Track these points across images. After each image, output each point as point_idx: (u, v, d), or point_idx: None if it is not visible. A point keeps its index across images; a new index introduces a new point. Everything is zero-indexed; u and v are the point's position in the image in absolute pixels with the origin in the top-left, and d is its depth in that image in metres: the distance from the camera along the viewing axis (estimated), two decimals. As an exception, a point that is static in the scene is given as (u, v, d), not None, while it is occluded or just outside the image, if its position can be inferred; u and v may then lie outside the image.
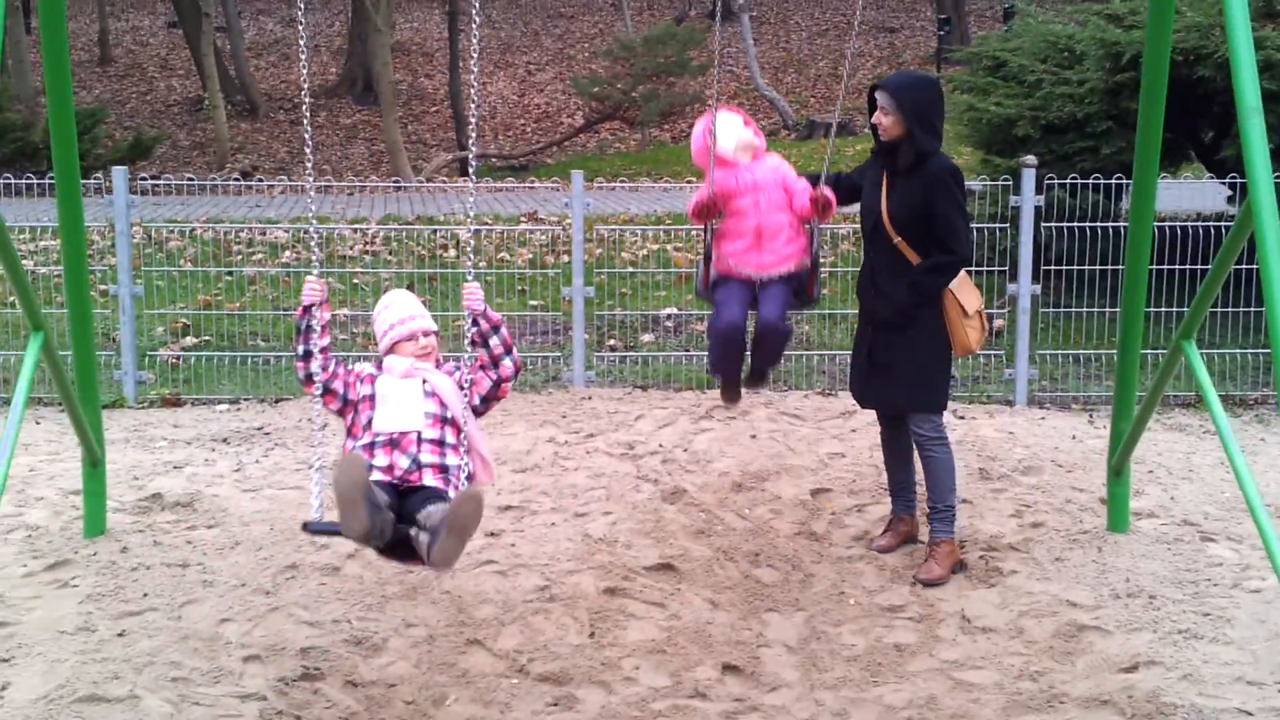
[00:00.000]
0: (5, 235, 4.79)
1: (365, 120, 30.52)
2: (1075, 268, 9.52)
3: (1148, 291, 6.49)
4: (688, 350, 10.19)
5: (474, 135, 5.08)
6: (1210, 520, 6.77)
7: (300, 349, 4.83)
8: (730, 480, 7.32)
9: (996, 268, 9.40)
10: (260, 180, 22.34)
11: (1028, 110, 11.32)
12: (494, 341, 4.86)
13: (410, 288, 10.46)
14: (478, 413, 4.91)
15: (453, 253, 12.45)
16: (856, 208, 6.47)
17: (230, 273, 11.65)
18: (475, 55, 5.12)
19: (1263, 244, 4.44)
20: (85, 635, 5.39)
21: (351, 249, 12.98)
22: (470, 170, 5.18)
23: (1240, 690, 5.01)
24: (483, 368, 4.89)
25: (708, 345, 6.37)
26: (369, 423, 4.78)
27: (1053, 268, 9.51)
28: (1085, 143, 11.03)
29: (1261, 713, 4.83)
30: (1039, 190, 9.26)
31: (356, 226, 13.05)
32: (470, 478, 4.81)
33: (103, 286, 10.35)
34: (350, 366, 4.94)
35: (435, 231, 12.68)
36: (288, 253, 12.95)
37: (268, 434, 8.37)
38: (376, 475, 4.65)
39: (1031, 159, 9.36)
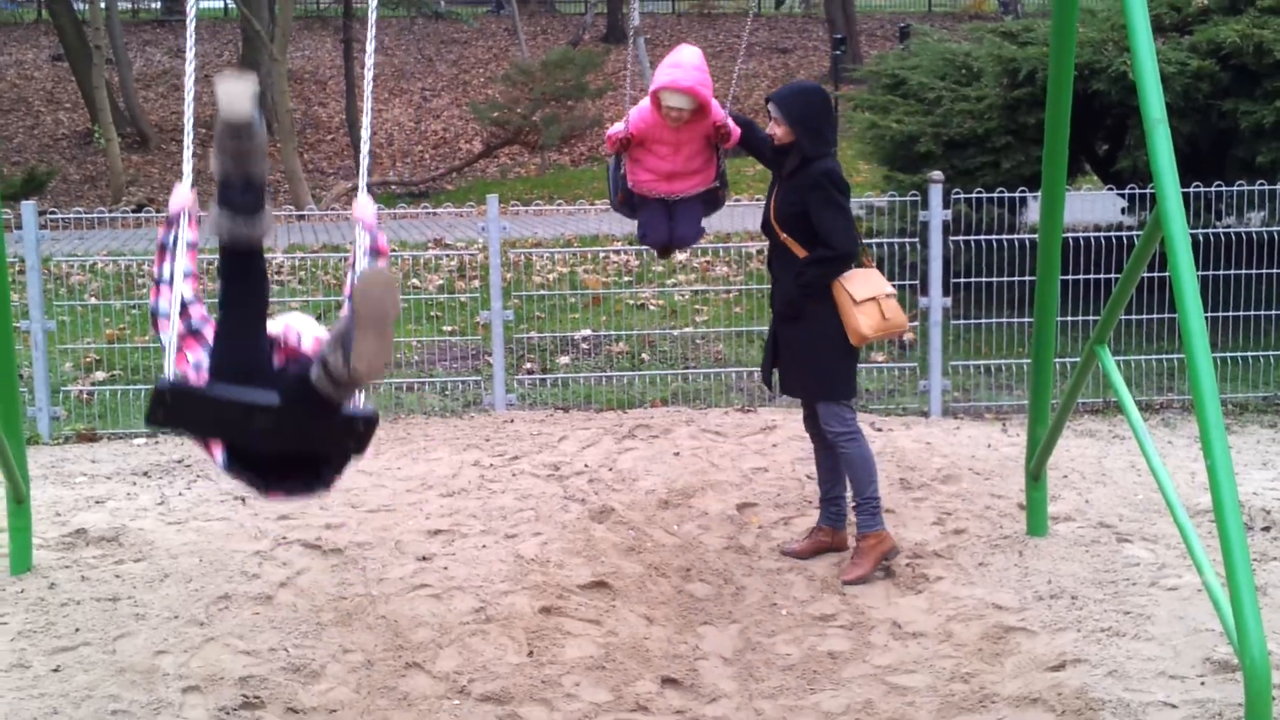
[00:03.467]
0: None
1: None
2: (983, 280, 9.73)
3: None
4: (606, 371, 10.26)
5: (367, 161, 4.97)
6: (1125, 522, 6.96)
7: (160, 270, 4.44)
8: (657, 498, 7.40)
9: (907, 282, 9.58)
10: (159, 214, 22.04)
11: (929, 127, 11.56)
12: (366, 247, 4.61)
13: (319, 318, 10.41)
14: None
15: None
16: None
17: (136, 306, 11.52)
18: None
19: (1173, 252, 4.62)
20: (20, 672, 5.35)
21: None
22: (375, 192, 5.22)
23: (1164, 684, 5.18)
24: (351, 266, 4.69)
25: (638, 236, 6.84)
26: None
27: (961, 280, 9.72)
28: (986, 158, 11.28)
29: (1185, 704, 5.00)
30: (945, 205, 9.46)
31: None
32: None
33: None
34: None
35: (342, 259, 12.63)
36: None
37: (188, 466, 8.31)
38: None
39: (938, 174, 9.57)
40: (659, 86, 6.39)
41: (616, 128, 6.53)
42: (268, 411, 4.07)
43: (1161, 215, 4.68)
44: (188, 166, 4.61)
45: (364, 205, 4.71)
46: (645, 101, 6.49)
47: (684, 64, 6.41)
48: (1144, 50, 4.80)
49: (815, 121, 6.44)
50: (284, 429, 4.14)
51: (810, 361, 6.46)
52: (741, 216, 11.61)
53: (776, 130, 6.48)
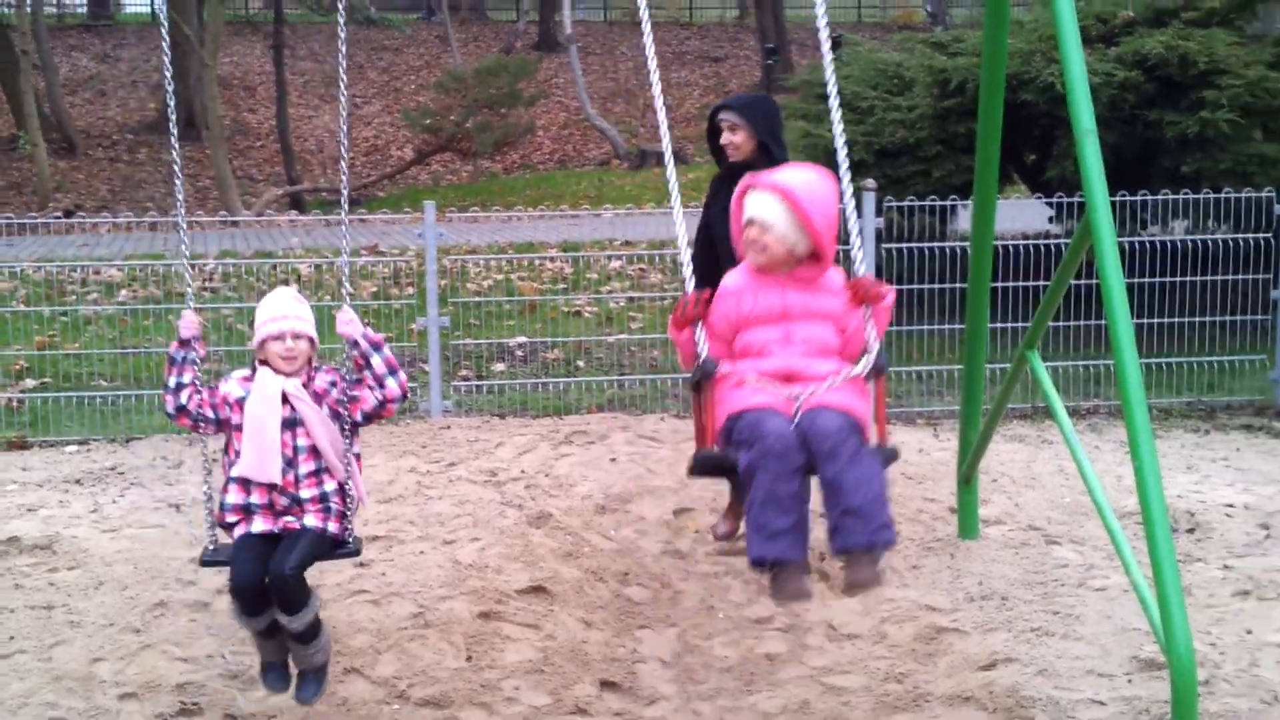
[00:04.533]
0: None
1: (189, 156, 30.00)
2: (913, 286, 9.86)
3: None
4: (541, 378, 10.30)
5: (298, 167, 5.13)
6: (1053, 524, 7.10)
7: (171, 381, 4.88)
8: (594, 503, 7.45)
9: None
10: (85, 218, 21.83)
11: (861, 136, 11.69)
12: (376, 362, 4.85)
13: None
14: (356, 428, 4.95)
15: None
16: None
17: (65, 313, 11.43)
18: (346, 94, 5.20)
19: (1101, 259, 4.73)
20: (-47, 681, 5.30)
21: (194, 283, 12.79)
22: (344, 202, 5.27)
23: (1093, 682, 5.29)
24: (368, 387, 4.88)
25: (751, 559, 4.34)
26: (239, 454, 4.87)
27: (893, 288, 9.82)
28: (917, 166, 11.46)
29: (1113, 701, 5.11)
30: (878, 213, 9.58)
31: (194, 262, 12.88)
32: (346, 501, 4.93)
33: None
34: (215, 387, 4.96)
35: (275, 266, 12.58)
36: (124, 291, 12.73)
37: (121, 473, 8.26)
38: (257, 525, 4.85)
39: (871, 182, 9.69)
40: (744, 187, 4.65)
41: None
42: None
43: (1091, 223, 4.79)
44: (190, 296, 5.22)
45: (346, 319, 4.88)
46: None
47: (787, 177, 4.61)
48: (1074, 62, 4.91)
49: (778, 129, 6.47)
50: None
51: None
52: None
53: (734, 138, 6.32)
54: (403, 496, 7.59)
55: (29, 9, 26.39)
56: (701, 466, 4.43)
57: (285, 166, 26.97)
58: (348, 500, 4.92)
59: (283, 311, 4.93)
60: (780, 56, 28.03)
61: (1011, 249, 9.82)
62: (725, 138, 6.41)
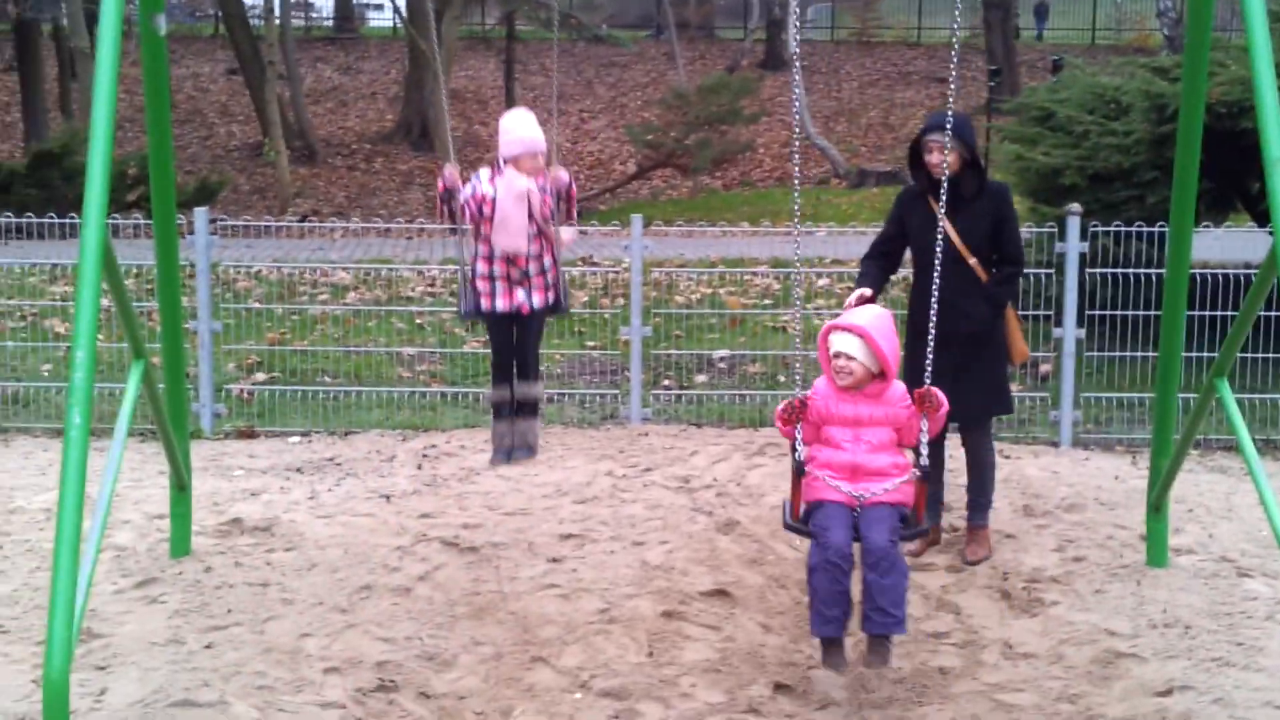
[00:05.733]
0: (116, 269, 5.17)
1: (421, 166, 31.09)
2: (1120, 313, 9.77)
3: (1188, 336, 6.78)
4: (740, 390, 10.51)
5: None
6: (1247, 557, 7.00)
7: (442, 207, 8.08)
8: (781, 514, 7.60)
9: (1042, 312, 9.67)
10: (319, 224, 22.84)
11: (1075, 160, 11.62)
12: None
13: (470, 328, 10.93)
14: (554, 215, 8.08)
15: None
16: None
17: (296, 312, 12.08)
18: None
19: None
20: (175, 647, 5.74)
21: (414, 290, 13.40)
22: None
23: (1269, 714, 5.23)
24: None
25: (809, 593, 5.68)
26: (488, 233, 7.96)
27: (1098, 313, 9.77)
28: (1131, 192, 11.32)
29: (1291, 735, 5.07)
30: (1083, 237, 9.53)
31: (417, 267, 13.50)
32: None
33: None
34: (472, 191, 7.93)
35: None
36: (352, 294, 13.37)
37: (339, 464, 8.74)
38: (499, 302, 8.11)
39: (1076, 206, 9.65)
40: (828, 327, 5.87)
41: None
42: None
43: (1277, 252, 4.78)
44: (451, 151, 8.22)
45: (559, 173, 8.13)
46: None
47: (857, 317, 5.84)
48: (1266, 86, 4.90)
49: (975, 144, 6.91)
50: None
51: (993, 380, 7.00)
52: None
53: (947, 157, 6.35)
54: (598, 498, 7.86)
55: (277, 21, 27.66)
56: (788, 527, 5.83)
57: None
58: (561, 273, 8.16)
59: (533, 135, 7.90)
60: (1005, 78, 27.72)
61: (1221, 277, 9.66)
62: (936, 156, 6.62)
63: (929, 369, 5.78)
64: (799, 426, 5.75)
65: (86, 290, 4.40)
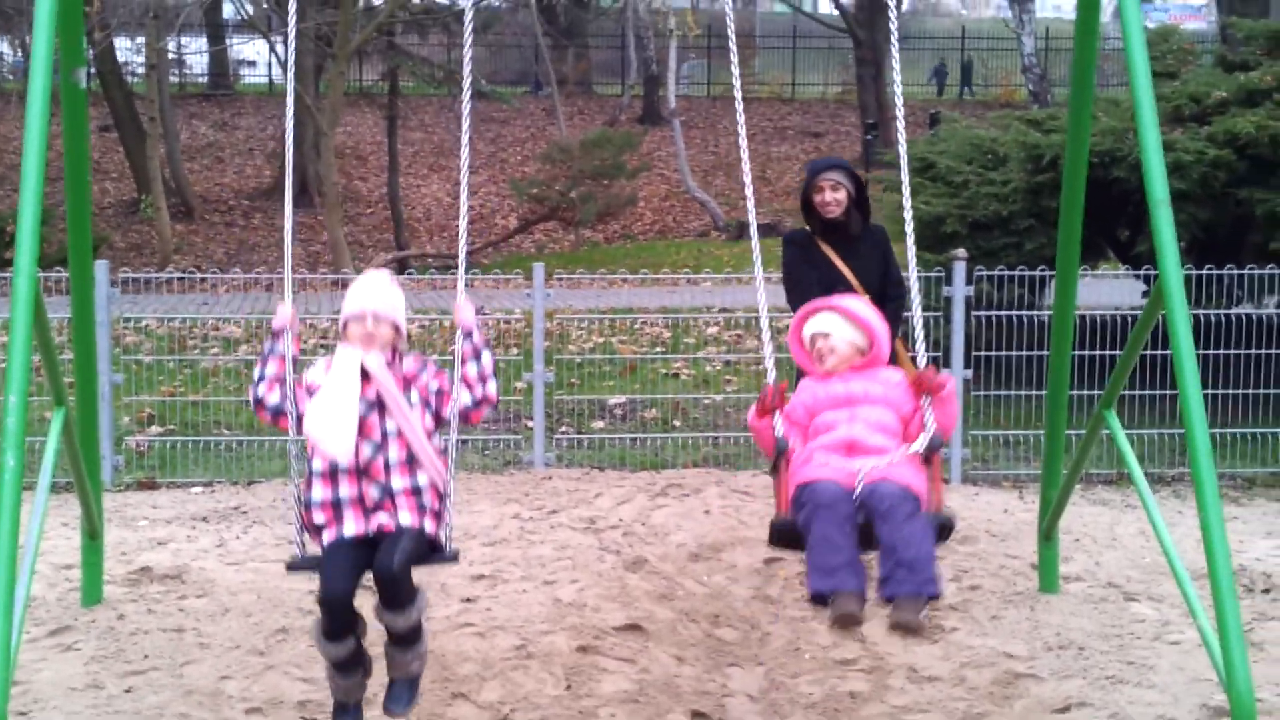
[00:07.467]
0: (45, 318, 5.19)
1: (301, 222, 30.92)
2: (1003, 354, 10.16)
3: (1071, 374, 7.10)
4: (639, 434, 10.69)
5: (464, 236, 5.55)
6: (1132, 582, 7.33)
7: (257, 372, 4.83)
8: (688, 551, 7.80)
9: (930, 354, 9.96)
10: (229, 275, 22.67)
11: (955, 209, 12.01)
12: (485, 358, 4.85)
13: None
14: (441, 423, 4.86)
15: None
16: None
17: (188, 365, 12.03)
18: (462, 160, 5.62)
19: (1173, 326, 4.96)
20: (95, 692, 5.76)
21: (307, 342, 13.39)
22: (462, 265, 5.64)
23: (1162, 726, 5.53)
24: (467, 384, 4.83)
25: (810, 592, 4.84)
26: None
27: (982, 354, 10.14)
28: (1009, 239, 11.74)
29: (1182, 745, 5.35)
30: (969, 282, 9.90)
31: (305, 319, 13.51)
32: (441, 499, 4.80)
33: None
34: (300, 379, 4.83)
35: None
36: (243, 346, 13.34)
37: (244, 513, 8.75)
38: (348, 527, 4.64)
39: (962, 252, 10.03)
40: (800, 316, 5.31)
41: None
42: None
43: (1164, 290, 5.06)
44: (289, 287, 5.28)
45: (464, 307, 4.95)
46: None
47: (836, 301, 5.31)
48: (1149, 135, 5.23)
49: (864, 185, 7.19)
50: None
51: None
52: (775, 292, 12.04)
53: (837, 196, 6.89)
54: (506, 540, 7.98)
55: (155, 79, 27.47)
56: (776, 532, 4.91)
57: (394, 232, 27.77)
58: (444, 501, 4.77)
59: (368, 292, 4.82)
60: (879, 132, 28.43)
61: (1100, 319, 10.08)
62: (828, 196, 6.89)
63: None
64: (777, 417, 5.00)
65: (19, 335, 4.45)
